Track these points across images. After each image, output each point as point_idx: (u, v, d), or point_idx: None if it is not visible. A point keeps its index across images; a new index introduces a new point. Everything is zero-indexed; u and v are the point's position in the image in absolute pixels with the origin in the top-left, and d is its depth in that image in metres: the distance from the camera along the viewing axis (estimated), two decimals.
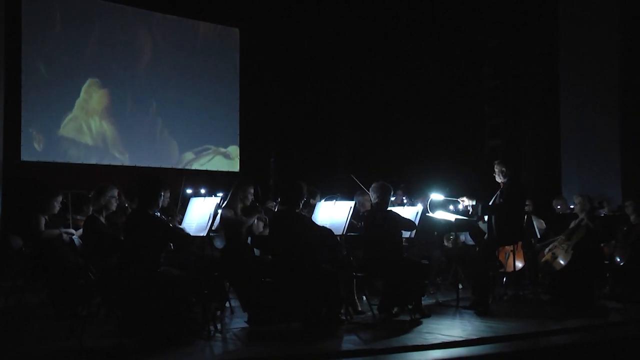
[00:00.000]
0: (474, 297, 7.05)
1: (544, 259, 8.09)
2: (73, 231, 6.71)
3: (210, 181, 11.71)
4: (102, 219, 6.26)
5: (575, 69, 12.11)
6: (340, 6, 13.79)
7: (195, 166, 13.27)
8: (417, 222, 7.02)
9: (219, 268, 6.23)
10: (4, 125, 10.58)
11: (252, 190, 6.51)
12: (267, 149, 14.21)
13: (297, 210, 6.07)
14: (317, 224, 6.15)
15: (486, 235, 7.21)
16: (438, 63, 13.74)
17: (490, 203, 7.22)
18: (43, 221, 6.64)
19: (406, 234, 6.99)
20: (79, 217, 7.09)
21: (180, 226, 5.90)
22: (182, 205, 7.39)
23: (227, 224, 6.30)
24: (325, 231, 6.07)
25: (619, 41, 11.47)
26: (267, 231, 6.76)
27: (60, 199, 6.85)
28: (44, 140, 11.57)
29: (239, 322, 6.22)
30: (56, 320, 6.22)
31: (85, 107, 12.06)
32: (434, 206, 7.48)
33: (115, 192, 6.43)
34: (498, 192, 7.12)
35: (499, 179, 7.10)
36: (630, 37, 11.44)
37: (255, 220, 6.63)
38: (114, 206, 6.41)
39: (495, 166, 7.15)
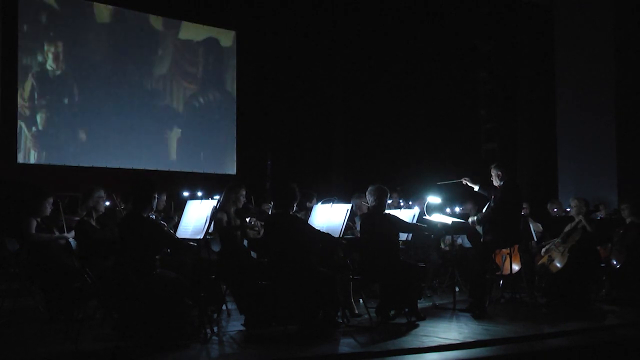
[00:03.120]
0: (470, 299, 7.05)
1: (540, 262, 8.10)
2: (67, 235, 6.64)
3: (207, 183, 11.71)
4: (93, 222, 6.25)
5: (570, 72, 12.15)
6: (336, 10, 13.81)
7: (192, 169, 13.28)
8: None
9: (216, 271, 6.21)
10: (0, 128, 10.57)
11: (244, 192, 6.50)
12: (264, 152, 14.22)
13: (291, 213, 6.06)
14: (315, 228, 6.13)
15: (482, 238, 7.22)
16: (434, 67, 13.77)
17: (485, 208, 7.23)
18: (34, 224, 6.56)
19: (403, 237, 6.98)
20: (75, 217, 7.05)
21: (176, 231, 5.88)
22: (177, 207, 7.40)
23: (220, 227, 6.29)
24: (325, 235, 6.08)
25: (614, 45, 11.51)
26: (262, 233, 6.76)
27: (51, 200, 6.78)
28: (41, 143, 11.56)
29: (235, 325, 6.21)
30: (51, 323, 6.20)
31: (82, 109, 12.07)
32: (431, 209, 7.48)
33: (102, 193, 6.41)
34: (492, 196, 7.14)
35: (495, 182, 7.11)
36: (626, 40, 11.49)
37: (253, 223, 6.61)
38: (102, 207, 6.39)
39: (492, 170, 7.16)
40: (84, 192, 6.40)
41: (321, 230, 6.12)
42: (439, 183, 7.54)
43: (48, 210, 6.73)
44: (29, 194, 7.12)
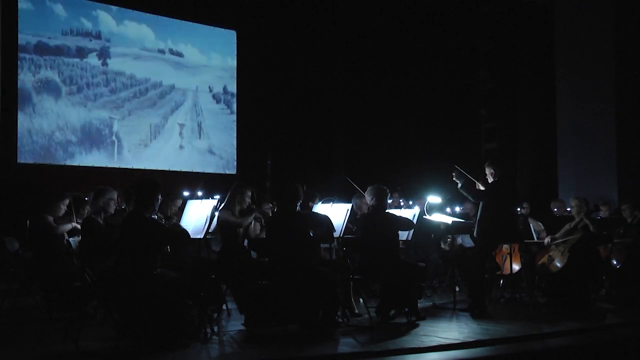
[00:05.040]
0: (470, 299, 7.04)
1: (540, 262, 8.09)
2: (77, 226, 6.70)
3: (207, 183, 11.72)
4: (100, 221, 6.25)
5: (571, 71, 12.14)
6: (337, 10, 13.82)
7: (192, 168, 13.29)
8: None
9: (216, 270, 6.21)
10: (0, 128, 10.57)
11: (249, 193, 6.51)
12: (264, 151, 14.22)
13: (293, 212, 6.05)
14: (314, 214, 6.10)
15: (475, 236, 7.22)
16: (434, 67, 13.77)
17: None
18: (51, 220, 6.64)
19: (403, 237, 6.98)
20: (78, 219, 7.08)
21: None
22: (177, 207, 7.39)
23: (223, 227, 6.29)
24: (323, 217, 6.07)
25: (614, 44, 11.51)
26: (264, 234, 6.75)
27: (67, 202, 6.86)
28: (41, 142, 11.56)
29: (235, 324, 6.21)
30: (51, 323, 6.20)
31: (81, 109, 12.07)
32: (431, 209, 7.47)
33: (115, 195, 6.43)
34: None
35: (490, 180, 7.10)
36: (626, 39, 11.48)
37: (253, 223, 6.61)
38: (112, 208, 6.40)
39: (485, 168, 7.15)
40: (96, 190, 6.42)
41: (321, 217, 6.11)
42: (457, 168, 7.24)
43: (62, 211, 6.80)
44: (44, 194, 7.19)
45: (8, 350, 5.21)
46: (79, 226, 6.68)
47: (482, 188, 7.10)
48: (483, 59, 13.90)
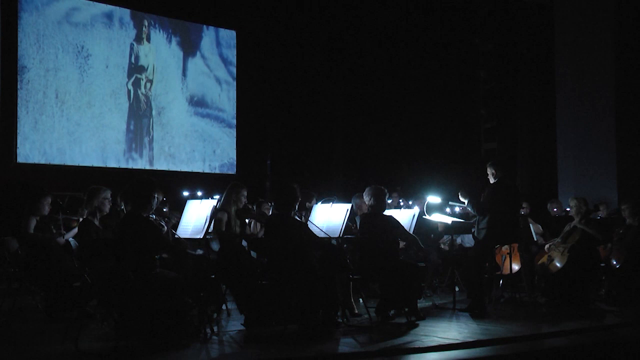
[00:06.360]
0: (470, 299, 7.04)
1: (540, 262, 8.09)
2: (62, 240, 6.64)
3: (207, 183, 11.73)
4: (96, 222, 6.24)
5: (570, 72, 12.15)
6: (336, 10, 13.83)
7: (192, 168, 13.29)
8: (413, 225, 6.98)
9: (216, 270, 6.22)
10: (0, 128, 10.56)
11: (245, 193, 6.51)
12: (264, 151, 14.23)
13: (291, 214, 6.04)
14: (313, 235, 6.08)
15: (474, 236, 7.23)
16: (434, 66, 13.78)
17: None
18: (34, 222, 6.60)
19: None
20: (74, 217, 7.07)
21: (176, 233, 5.88)
22: (177, 207, 7.39)
23: (220, 227, 6.29)
24: (324, 242, 6.05)
25: (614, 44, 11.51)
26: (263, 233, 6.75)
27: (49, 200, 6.80)
28: (40, 142, 11.56)
29: (235, 324, 6.21)
30: (51, 323, 6.20)
31: (81, 109, 12.06)
32: (431, 209, 7.47)
33: (108, 194, 6.39)
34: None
35: (491, 180, 7.11)
36: (626, 40, 11.49)
37: (252, 223, 6.61)
38: (107, 208, 6.38)
39: (487, 168, 7.16)
40: (90, 191, 6.38)
41: (318, 237, 6.08)
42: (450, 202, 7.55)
43: (46, 209, 6.76)
44: (27, 193, 7.13)
45: (8, 350, 5.21)
46: (62, 239, 6.62)
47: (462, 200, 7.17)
48: (483, 59, 13.91)
